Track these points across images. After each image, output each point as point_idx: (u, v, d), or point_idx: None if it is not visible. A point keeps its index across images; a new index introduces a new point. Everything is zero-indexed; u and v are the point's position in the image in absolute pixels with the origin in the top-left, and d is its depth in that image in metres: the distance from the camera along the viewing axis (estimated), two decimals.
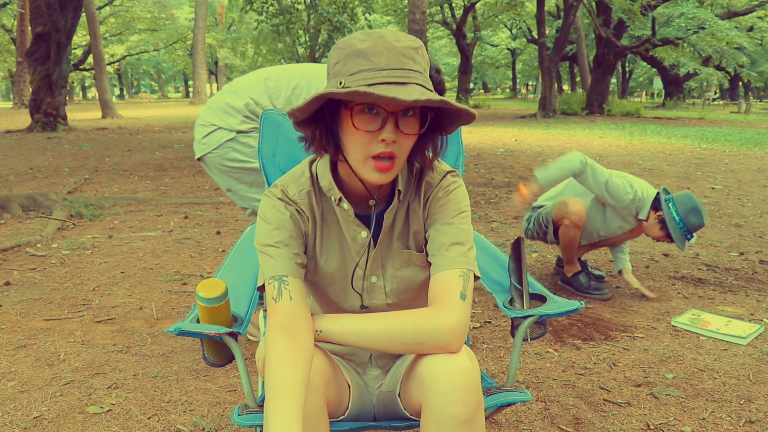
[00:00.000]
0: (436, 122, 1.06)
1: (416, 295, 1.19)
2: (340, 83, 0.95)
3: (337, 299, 1.19)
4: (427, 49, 1.16)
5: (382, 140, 0.97)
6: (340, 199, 1.10)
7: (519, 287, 1.37)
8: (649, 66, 34.18)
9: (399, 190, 1.11)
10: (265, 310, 1.60)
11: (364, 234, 1.12)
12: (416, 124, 1.00)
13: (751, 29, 25.20)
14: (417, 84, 0.95)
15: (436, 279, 1.07)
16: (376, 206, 1.12)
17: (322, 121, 1.03)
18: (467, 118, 1.01)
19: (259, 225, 1.10)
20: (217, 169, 2.34)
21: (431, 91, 0.98)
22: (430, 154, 1.10)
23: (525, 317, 1.26)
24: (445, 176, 1.14)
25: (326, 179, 1.10)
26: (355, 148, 1.00)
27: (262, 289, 1.10)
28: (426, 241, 1.14)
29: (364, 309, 1.18)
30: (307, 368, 0.96)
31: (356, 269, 1.15)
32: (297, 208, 1.11)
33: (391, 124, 0.97)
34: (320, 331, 1.04)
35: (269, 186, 1.63)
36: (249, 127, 2.27)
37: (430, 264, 1.11)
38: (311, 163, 1.15)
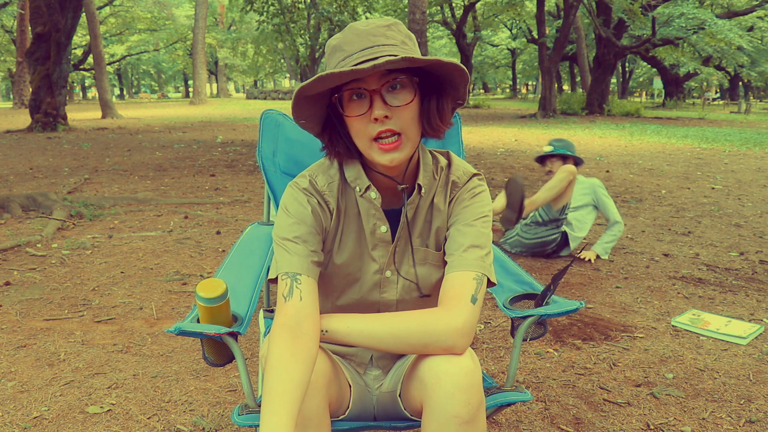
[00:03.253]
0: (432, 88, 1.06)
1: (430, 294, 1.18)
2: None
3: (350, 293, 1.17)
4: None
5: (375, 120, 0.98)
6: (367, 188, 1.10)
7: (548, 290, 1.35)
8: (649, 66, 34.20)
9: (419, 185, 1.10)
10: (265, 310, 1.60)
11: (384, 228, 1.12)
12: (407, 95, 1.01)
13: (751, 29, 25.19)
14: (390, 55, 0.96)
15: (449, 279, 1.07)
16: (404, 193, 1.11)
17: (331, 126, 1.07)
18: (460, 76, 1.00)
19: (279, 216, 1.10)
20: None
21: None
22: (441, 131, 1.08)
23: (525, 317, 1.26)
24: (471, 178, 1.15)
25: (354, 170, 1.11)
26: (358, 137, 1.03)
27: (273, 281, 1.09)
28: (446, 240, 1.14)
29: (406, 299, 1.16)
30: (307, 372, 0.95)
31: (372, 263, 1.14)
32: (321, 200, 1.11)
33: (378, 102, 0.98)
34: (326, 331, 1.04)
35: (269, 187, 1.63)
36: None
37: (446, 263, 1.11)
38: None
